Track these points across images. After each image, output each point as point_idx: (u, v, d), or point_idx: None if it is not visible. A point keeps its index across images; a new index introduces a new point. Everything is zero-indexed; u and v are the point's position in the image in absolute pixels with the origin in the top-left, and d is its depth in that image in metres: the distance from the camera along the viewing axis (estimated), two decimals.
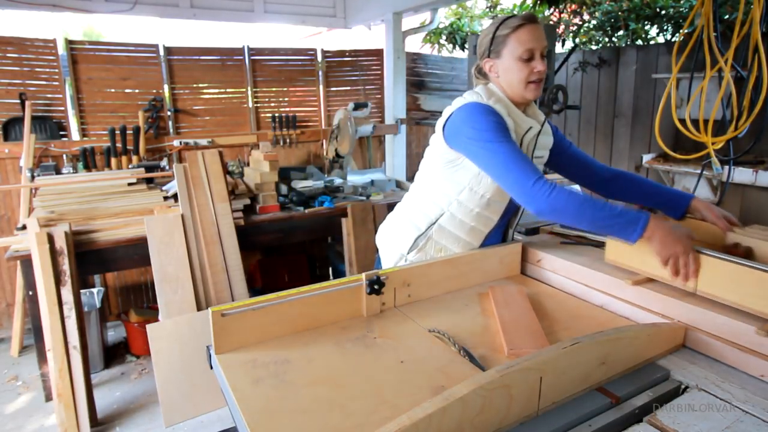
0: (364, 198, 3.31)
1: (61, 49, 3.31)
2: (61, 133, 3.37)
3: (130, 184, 2.90)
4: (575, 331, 1.16)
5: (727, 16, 3.20)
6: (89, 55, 3.39)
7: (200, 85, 3.81)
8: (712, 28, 2.46)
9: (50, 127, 3.31)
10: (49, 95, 3.32)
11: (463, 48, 5.54)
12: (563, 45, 4.63)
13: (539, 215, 1.28)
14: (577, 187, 2.69)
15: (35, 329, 2.40)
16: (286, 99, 4.10)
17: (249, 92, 3.93)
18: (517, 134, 1.43)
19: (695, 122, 2.65)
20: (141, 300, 3.74)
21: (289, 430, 0.83)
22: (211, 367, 1.09)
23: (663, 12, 3.90)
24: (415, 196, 1.61)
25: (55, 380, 2.31)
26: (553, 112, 3.49)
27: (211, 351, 1.07)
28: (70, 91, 3.39)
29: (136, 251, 2.60)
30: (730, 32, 2.45)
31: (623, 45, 4.15)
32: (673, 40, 3.87)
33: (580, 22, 4.62)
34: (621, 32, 4.20)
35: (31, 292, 2.36)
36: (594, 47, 4.46)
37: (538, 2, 4.23)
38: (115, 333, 3.49)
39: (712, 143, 2.57)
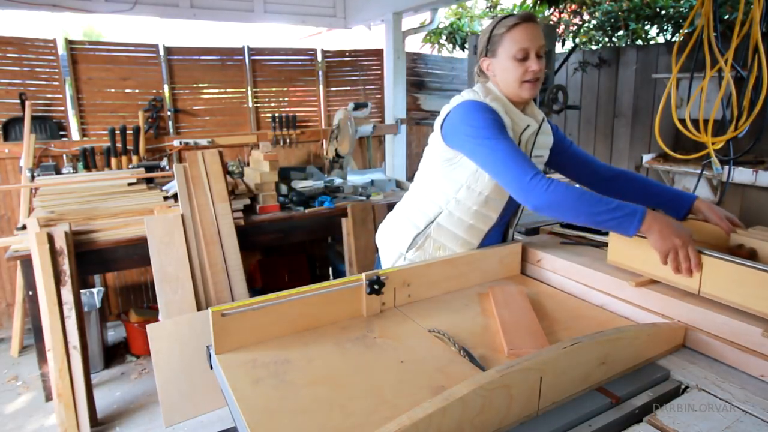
0: (364, 198, 3.31)
1: (61, 49, 3.31)
2: (61, 133, 3.37)
3: (130, 184, 2.90)
4: (575, 331, 1.16)
5: (727, 16, 3.20)
6: (89, 55, 3.40)
7: (200, 85, 3.81)
8: (712, 28, 2.46)
9: (50, 127, 3.31)
10: (49, 95, 3.32)
11: (463, 48, 5.54)
12: (563, 45, 4.63)
13: (537, 210, 1.28)
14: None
15: (35, 329, 2.40)
16: (286, 99, 4.10)
17: (249, 92, 3.93)
18: (515, 132, 1.43)
19: (695, 122, 2.65)
20: (141, 300, 3.74)
21: (289, 430, 0.83)
22: (211, 367, 1.09)
23: (663, 12, 3.90)
24: (414, 195, 1.61)
25: (55, 380, 2.31)
26: (553, 112, 3.49)
27: (211, 351, 1.07)
28: (70, 91, 3.39)
29: (136, 251, 2.60)
30: (730, 32, 2.45)
31: (623, 45, 4.15)
32: (673, 40, 3.87)
33: (580, 22, 4.62)
34: (621, 32, 4.21)
35: (31, 292, 2.36)
36: (594, 47, 4.46)
37: (538, 2, 4.23)
38: (115, 333, 3.49)
39: (712, 143, 2.57)
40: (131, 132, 3.39)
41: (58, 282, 2.35)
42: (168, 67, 3.61)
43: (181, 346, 2.43)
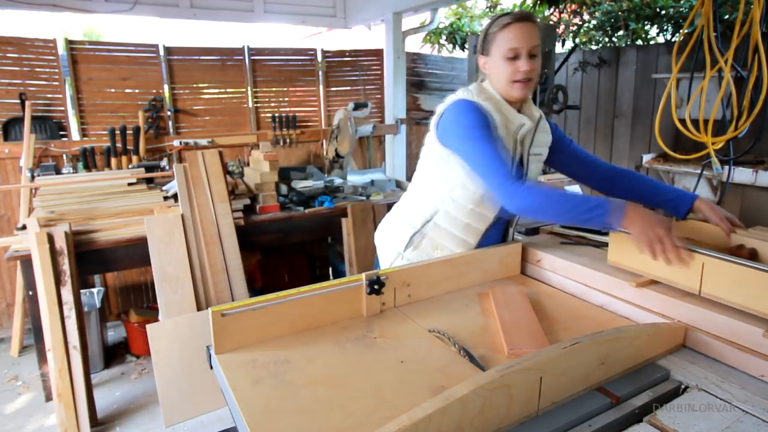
0: (364, 198, 3.31)
1: (61, 49, 3.31)
2: (61, 133, 3.37)
3: (130, 184, 2.89)
4: (575, 331, 1.16)
5: (727, 16, 3.20)
6: (89, 55, 3.40)
7: (200, 85, 3.81)
8: (712, 28, 2.46)
9: (50, 127, 3.31)
10: (49, 95, 3.32)
11: (463, 48, 5.54)
12: (563, 45, 4.63)
13: (518, 213, 1.30)
14: (577, 187, 2.70)
15: (35, 329, 2.40)
16: (286, 99, 4.10)
17: (249, 92, 3.93)
18: (509, 131, 1.43)
19: (695, 122, 2.65)
20: (141, 300, 3.74)
21: (289, 430, 0.83)
22: (211, 367, 1.09)
23: (663, 12, 3.90)
24: (411, 194, 1.62)
25: (55, 380, 2.31)
26: (553, 112, 3.49)
27: (211, 351, 1.07)
28: (70, 91, 3.39)
29: (136, 251, 2.60)
30: (730, 32, 2.45)
31: (623, 45, 4.15)
32: (673, 40, 3.87)
33: (580, 22, 4.62)
34: (621, 32, 4.21)
35: (31, 292, 2.36)
36: (594, 47, 4.46)
37: (538, 2, 4.23)
38: (115, 333, 3.49)
39: (712, 143, 2.57)
40: (131, 132, 3.39)
41: (58, 282, 2.35)
42: (168, 67, 3.61)
43: (181, 346, 2.43)
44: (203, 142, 3.69)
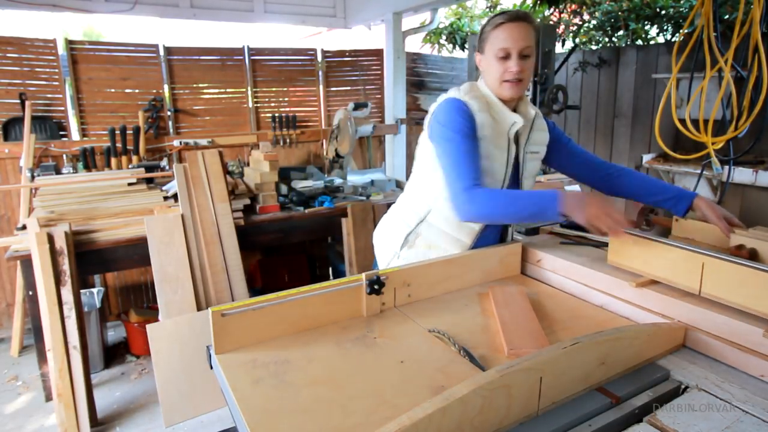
0: (364, 198, 3.31)
1: (61, 49, 3.31)
2: (61, 133, 3.37)
3: (130, 184, 2.90)
4: (575, 331, 1.16)
5: (727, 16, 3.19)
6: (89, 55, 3.40)
7: (200, 85, 3.81)
8: (712, 28, 2.46)
9: (50, 127, 3.31)
10: (49, 95, 3.32)
11: (463, 48, 5.54)
12: (563, 45, 4.62)
13: (471, 221, 1.39)
14: (577, 187, 2.69)
15: (35, 329, 2.40)
16: (286, 99, 4.10)
17: (249, 92, 3.93)
18: (501, 130, 1.43)
19: (695, 122, 2.65)
20: (141, 300, 3.74)
21: (289, 430, 0.83)
22: (211, 367, 1.09)
23: (663, 12, 3.90)
24: (407, 193, 1.63)
25: (55, 380, 2.31)
26: (553, 112, 3.49)
27: (211, 351, 1.07)
28: (70, 91, 3.39)
29: (136, 251, 2.60)
30: (730, 32, 2.45)
31: (623, 45, 4.15)
32: (673, 40, 3.87)
33: (580, 22, 4.61)
34: (621, 32, 4.20)
35: (31, 292, 2.36)
36: (594, 47, 4.46)
37: (538, 2, 4.23)
38: (115, 333, 3.49)
39: (712, 143, 2.57)
40: (131, 132, 3.39)
41: (58, 282, 2.35)
42: (168, 67, 3.61)
43: (181, 346, 2.43)
44: (203, 142, 3.69)
